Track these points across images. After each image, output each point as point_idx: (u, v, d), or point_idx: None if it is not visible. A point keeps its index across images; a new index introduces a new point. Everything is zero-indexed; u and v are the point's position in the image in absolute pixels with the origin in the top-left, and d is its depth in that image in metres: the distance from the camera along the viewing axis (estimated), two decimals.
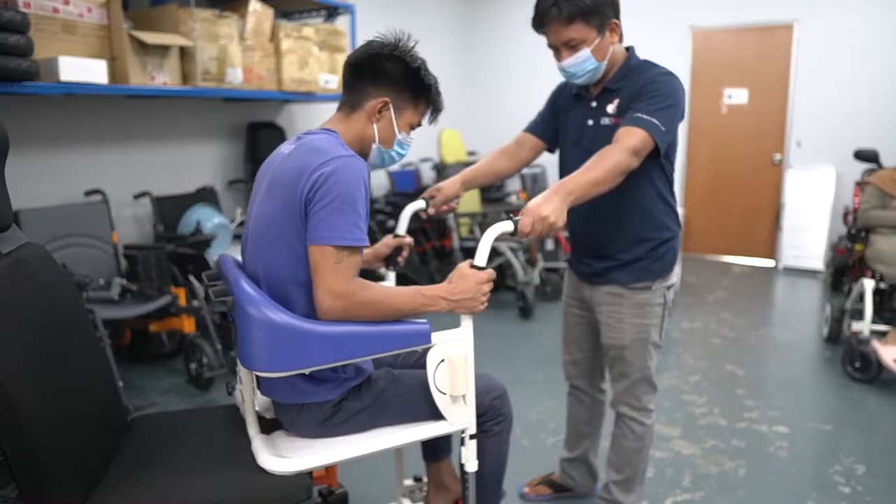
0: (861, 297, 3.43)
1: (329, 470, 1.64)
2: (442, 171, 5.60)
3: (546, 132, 2.03)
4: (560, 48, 1.73)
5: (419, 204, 1.92)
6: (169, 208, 3.58)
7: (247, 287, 1.26)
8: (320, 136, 1.38)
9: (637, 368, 1.90)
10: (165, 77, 3.19)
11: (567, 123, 1.94)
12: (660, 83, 1.70)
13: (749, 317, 4.32)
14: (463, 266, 1.41)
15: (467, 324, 1.42)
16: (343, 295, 1.27)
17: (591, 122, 1.85)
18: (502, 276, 4.90)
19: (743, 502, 2.20)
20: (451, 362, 1.38)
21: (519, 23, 6.49)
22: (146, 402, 2.96)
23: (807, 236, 5.42)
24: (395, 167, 5.56)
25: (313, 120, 4.86)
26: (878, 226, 3.54)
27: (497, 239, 1.44)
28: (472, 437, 1.48)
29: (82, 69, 2.74)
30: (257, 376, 1.40)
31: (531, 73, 6.45)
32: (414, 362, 1.64)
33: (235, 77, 3.48)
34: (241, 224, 3.93)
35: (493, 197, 5.26)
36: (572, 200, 1.52)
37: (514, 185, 6.40)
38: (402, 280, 4.34)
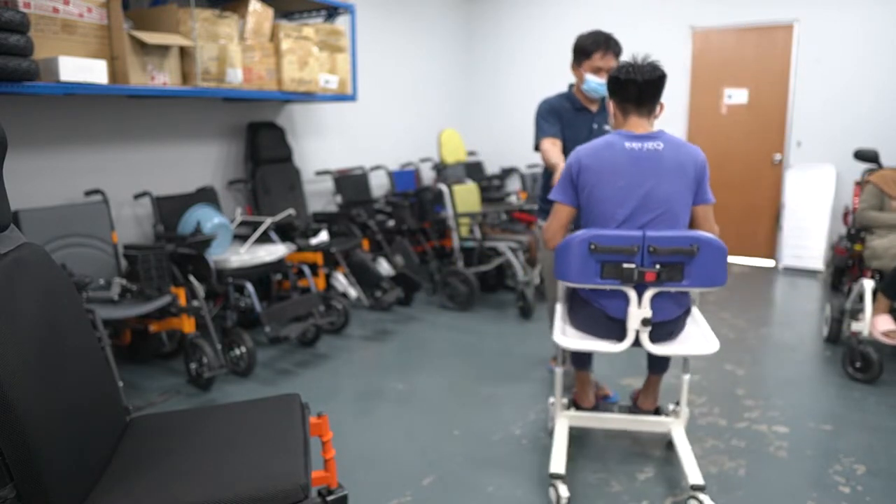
0: (861, 297, 3.42)
1: (329, 470, 1.65)
2: (442, 171, 5.59)
3: (562, 135, 2.79)
4: (605, 71, 2.64)
5: None
6: (169, 208, 3.58)
7: (704, 234, 1.99)
8: (669, 135, 2.13)
9: None
10: (165, 77, 3.19)
11: (575, 128, 2.79)
12: None
13: (749, 317, 4.32)
14: None
15: None
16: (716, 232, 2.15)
17: (595, 126, 2.80)
18: (502, 276, 4.89)
19: (743, 502, 2.20)
20: None
21: (519, 23, 6.51)
22: (146, 402, 2.96)
23: (807, 236, 5.42)
24: (394, 167, 5.56)
25: (313, 120, 4.86)
26: (873, 226, 3.52)
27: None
28: None
29: (82, 69, 2.74)
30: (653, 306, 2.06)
31: (530, 73, 6.46)
32: None
33: (235, 77, 3.48)
34: (242, 224, 3.92)
35: (493, 197, 5.24)
36: None
37: (513, 185, 6.40)
38: (402, 279, 4.36)
